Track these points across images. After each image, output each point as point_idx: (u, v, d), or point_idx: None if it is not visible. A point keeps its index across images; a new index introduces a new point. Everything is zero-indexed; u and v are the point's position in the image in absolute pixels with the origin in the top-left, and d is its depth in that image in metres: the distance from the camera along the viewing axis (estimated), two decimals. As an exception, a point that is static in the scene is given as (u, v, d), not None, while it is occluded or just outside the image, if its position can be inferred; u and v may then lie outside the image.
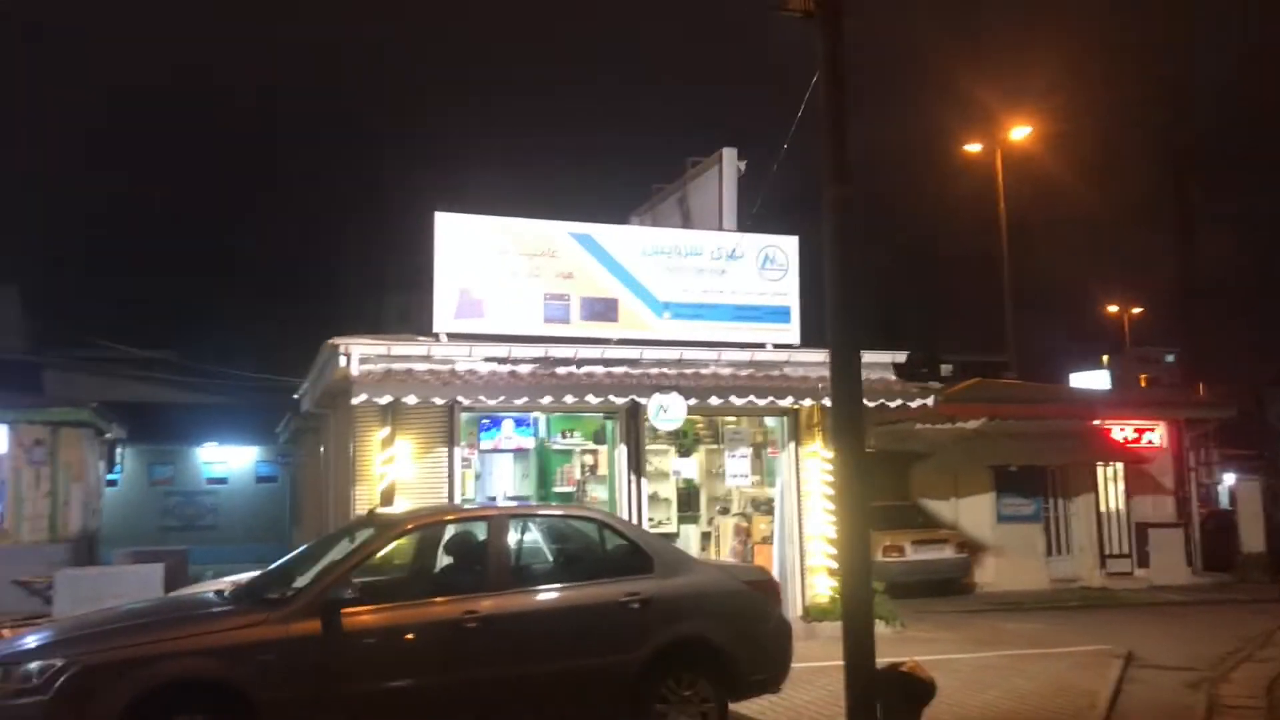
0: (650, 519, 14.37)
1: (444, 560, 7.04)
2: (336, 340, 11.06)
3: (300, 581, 6.43)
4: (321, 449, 16.76)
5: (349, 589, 6.12)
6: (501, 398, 11.02)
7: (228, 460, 26.51)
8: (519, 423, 14.11)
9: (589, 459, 14.67)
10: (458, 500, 11.65)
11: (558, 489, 14.86)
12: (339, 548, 6.90)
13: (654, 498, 14.53)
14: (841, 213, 6.53)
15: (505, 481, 15.51)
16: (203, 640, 5.84)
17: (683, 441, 14.53)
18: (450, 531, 7.02)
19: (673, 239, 12.68)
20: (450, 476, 11.58)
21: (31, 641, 5.95)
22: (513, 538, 6.95)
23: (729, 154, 14.12)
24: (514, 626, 6.50)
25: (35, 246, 46.17)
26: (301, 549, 7.48)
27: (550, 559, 7.42)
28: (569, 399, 11.27)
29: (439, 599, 6.53)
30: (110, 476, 24.69)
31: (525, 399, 11.15)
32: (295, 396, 16.40)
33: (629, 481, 12.30)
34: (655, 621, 6.87)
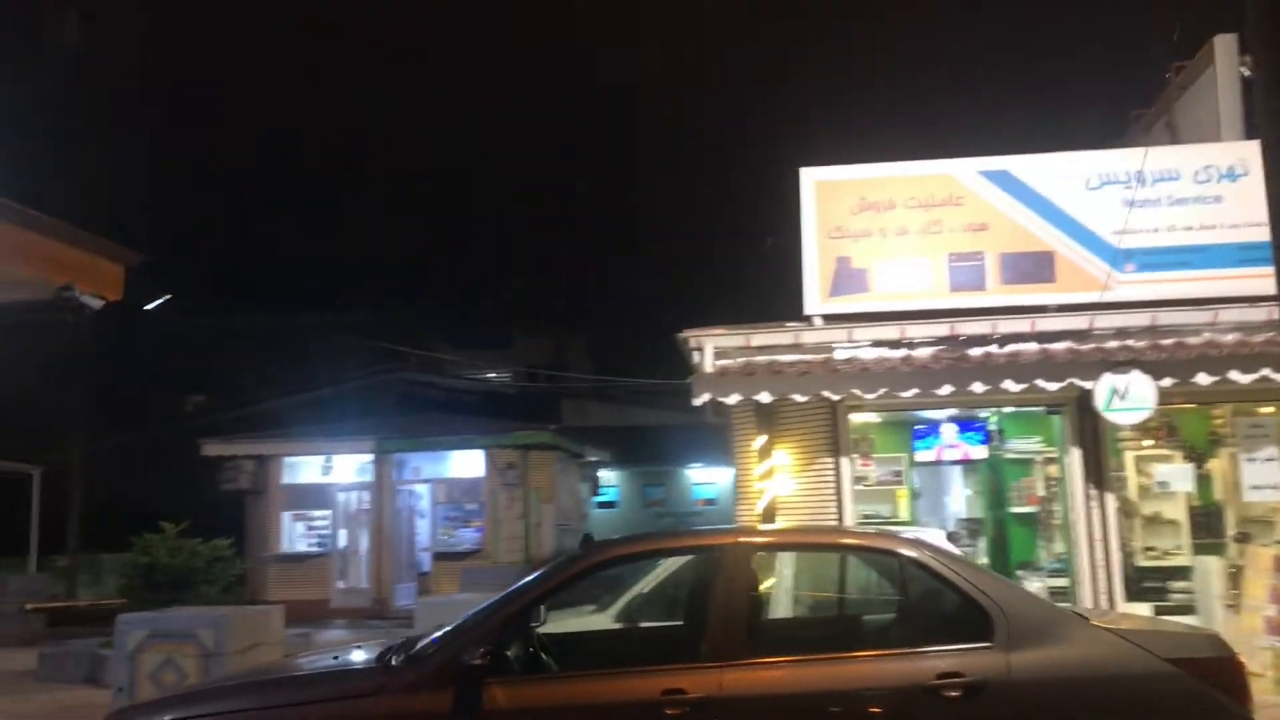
0: (1149, 549, 10.84)
1: (646, 611, 4.91)
2: (687, 333, 9.35)
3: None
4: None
5: (485, 650, 4.27)
6: (881, 390, 8.51)
7: (716, 480, 26.06)
8: (964, 427, 11.35)
9: (1054, 470, 11.44)
10: (850, 522, 9.31)
11: (1014, 509, 11.80)
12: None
13: (1153, 520, 10.91)
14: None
15: (955, 500, 12.78)
16: (303, 713, 4.34)
17: (1190, 443, 10.76)
18: (658, 568, 4.88)
19: (1132, 162, 9.24)
20: (838, 492, 9.26)
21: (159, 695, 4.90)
22: (754, 581, 4.61)
23: (1223, 43, 10.27)
24: (744, 718, 4.21)
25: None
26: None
27: (813, 614, 4.92)
28: (977, 388, 8.44)
29: (632, 669, 4.43)
30: (605, 499, 25.39)
31: (914, 391, 8.52)
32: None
33: (1085, 497, 9.06)
34: None
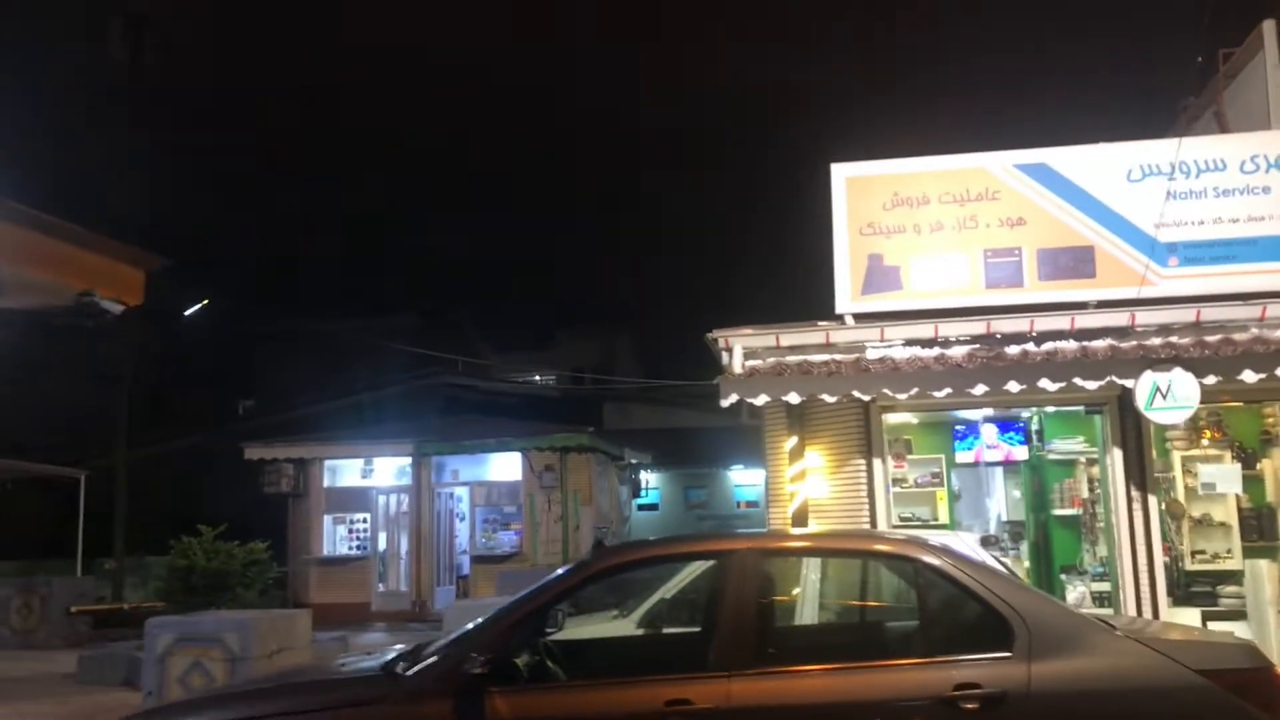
0: (1198, 552, 10.52)
1: (668, 617, 4.78)
2: (716, 333, 9.19)
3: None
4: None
5: (486, 658, 4.16)
6: (913, 390, 8.29)
7: (758, 482, 25.81)
8: (1004, 427, 11.13)
9: (1098, 470, 11.12)
10: (884, 525, 9.10)
11: (1057, 511, 11.51)
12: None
13: (1202, 522, 10.60)
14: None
15: (997, 502, 12.50)
16: (299, 721, 4.26)
17: (1240, 443, 10.41)
18: (681, 573, 4.75)
19: (1175, 152, 8.95)
20: (870, 495, 9.05)
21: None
22: (766, 587, 4.46)
23: (1271, 29, 9.93)
24: (748, 731, 4.06)
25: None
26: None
27: (826, 621, 4.75)
28: (1012, 387, 8.18)
29: (639, 679, 4.30)
30: (647, 501, 25.26)
31: (946, 391, 8.29)
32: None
33: (1127, 499, 8.78)
34: None
